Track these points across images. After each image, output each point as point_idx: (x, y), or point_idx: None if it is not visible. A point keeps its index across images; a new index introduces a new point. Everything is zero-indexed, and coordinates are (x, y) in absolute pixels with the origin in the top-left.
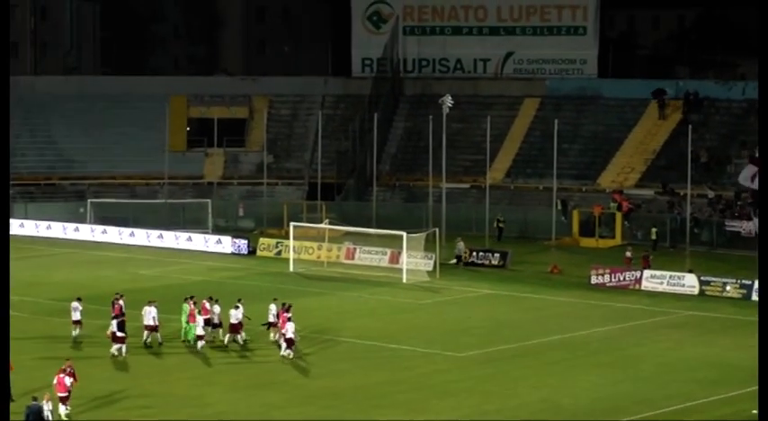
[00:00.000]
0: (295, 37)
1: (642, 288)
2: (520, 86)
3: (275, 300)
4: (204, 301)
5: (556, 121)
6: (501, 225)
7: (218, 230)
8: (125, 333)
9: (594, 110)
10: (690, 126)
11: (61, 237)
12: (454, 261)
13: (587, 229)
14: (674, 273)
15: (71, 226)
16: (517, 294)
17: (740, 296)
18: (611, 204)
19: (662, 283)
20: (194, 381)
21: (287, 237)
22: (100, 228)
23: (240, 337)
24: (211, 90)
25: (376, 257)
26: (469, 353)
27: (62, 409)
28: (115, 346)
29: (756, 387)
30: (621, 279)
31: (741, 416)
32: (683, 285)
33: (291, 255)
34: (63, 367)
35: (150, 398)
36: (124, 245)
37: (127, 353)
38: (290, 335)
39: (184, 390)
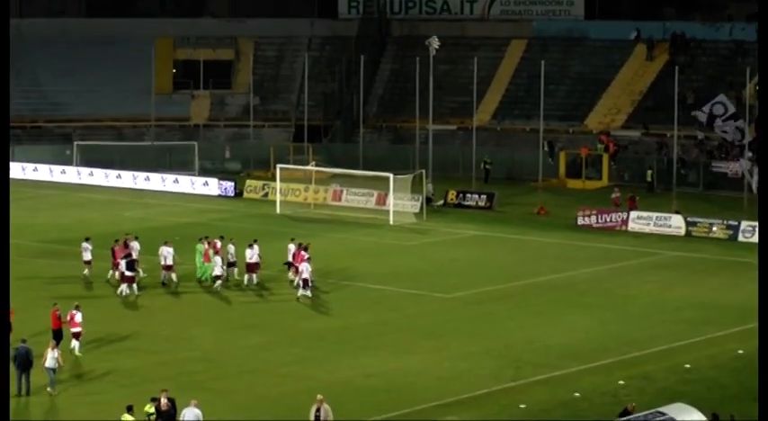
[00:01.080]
0: None
1: (629, 229)
2: (507, 28)
3: (293, 239)
4: (216, 240)
5: (543, 63)
6: (488, 166)
7: (205, 172)
8: (134, 272)
9: (581, 51)
10: (677, 67)
11: (48, 180)
12: (441, 202)
13: (574, 171)
14: (660, 214)
15: (57, 168)
16: (504, 236)
17: (726, 237)
18: (598, 146)
19: (648, 224)
20: (184, 322)
21: (274, 180)
22: (86, 170)
23: (255, 277)
24: (197, 32)
25: (363, 199)
26: (456, 294)
27: (74, 344)
28: (124, 286)
29: (742, 327)
30: (608, 220)
31: (728, 355)
32: (670, 226)
33: (278, 198)
34: (76, 304)
35: (136, 340)
36: (111, 187)
37: (139, 292)
38: (305, 275)
39: (172, 331)
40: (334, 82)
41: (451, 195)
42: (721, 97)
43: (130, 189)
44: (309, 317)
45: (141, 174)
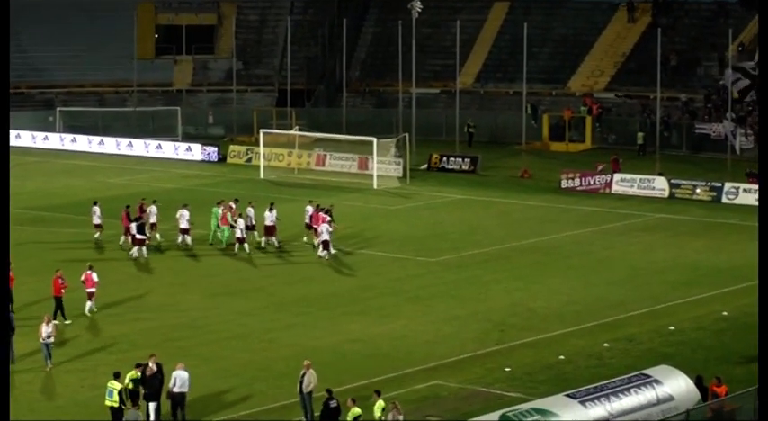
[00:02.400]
0: None
1: (612, 191)
2: None
3: (311, 201)
4: (230, 204)
5: (525, 25)
6: (471, 130)
7: (188, 138)
8: (144, 235)
9: (564, 13)
10: (659, 29)
11: (31, 146)
12: (425, 166)
13: (557, 133)
14: (643, 177)
15: (40, 135)
16: (488, 199)
17: (710, 199)
18: (581, 108)
19: (632, 187)
20: (172, 288)
21: (257, 144)
22: (69, 136)
23: (275, 239)
24: None
25: (347, 163)
26: (441, 257)
27: (88, 305)
28: (135, 248)
29: (726, 289)
30: (592, 183)
31: (712, 317)
32: (654, 188)
33: (262, 162)
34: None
35: (122, 306)
36: (94, 153)
37: (147, 254)
38: (324, 236)
39: (160, 298)
40: (317, 46)
41: (435, 159)
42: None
43: (114, 155)
44: (295, 283)
45: (124, 140)
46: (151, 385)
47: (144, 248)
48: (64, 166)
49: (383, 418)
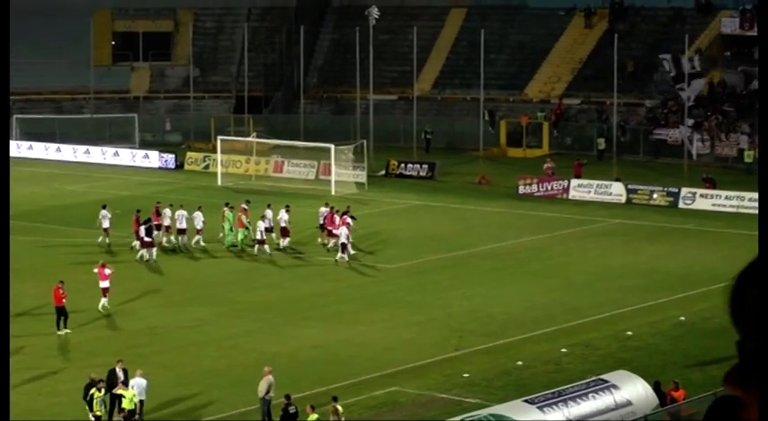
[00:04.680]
0: None
1: (570, 197)
2: None
3: (326, 204)
4: (243, 205)
5: (482, 32)
6: (428, 136)
7: (145, 145)
8: (152, 238)
9: (521, 19)
10: (616, 35)
11: None
12: (382, 173)
13: (514, 139)
14: (601, 182)
15: None
16: (445, 205)
17: (667, 204)
18: (539, 114)
19: (589, 192)
20: (132, 295)
21: (214, 151)
22: (26, 144)
23: (287, 241)
24: (136, 3)
25: (304, 170)
26: (399, 264)
27: (103, 301)
28: (143, 251)
29: (683, 294)
30: (549, 188)
31: (670, 322)
32: (611, 193)
33: (219, 169)
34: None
35: (81, 313)
36: (51, 160)
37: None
38: (342, 239)
39: (119, 304)
40: (275, 53)
41: (393, 165)
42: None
43: (71, 162)
44: (253, 289)
45: (81, 148)
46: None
47: (153, 251)
48: (21, 174)
49: None
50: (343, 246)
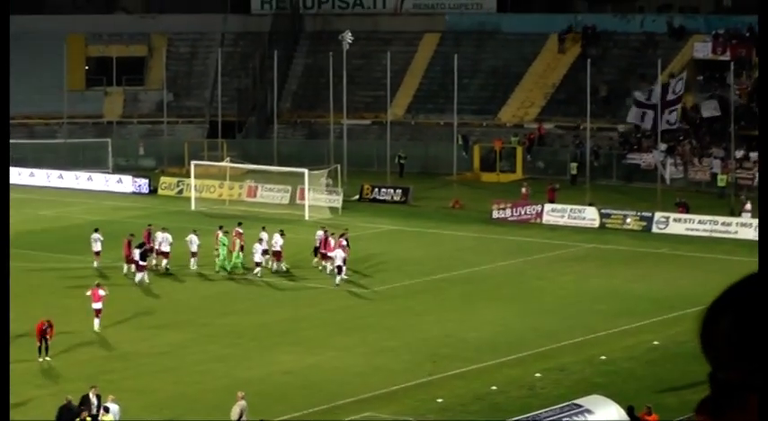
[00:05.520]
0: None
1: (543, 222)
2: (419, 22)
3: (323, 228)
4: (237, 229)
5: (456, 56)
6: (402, 161)
7: (119, 170)
8: (146, 262)
9: (494, 44)
10: (588, 60)
11: None
12: (356, 197)
13: (488, 164)
14: (574, 207)
15: None
16: (419, 230)
17: (640, 228)
18: (512, 138)
19: (563, 217)
20: (104, 320)
21: (188, 176)
22: None
23: (283, 265)
24: (109, 28)
25: (278, 195)
26: (373, 289)
27: (96, 323)
28: (139, 274)
29: (657, 318)
30: (523, 213)
31: (644, 347)
32: (584, 218)
33: (193, 194)
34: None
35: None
36: (24, 185)
37: (149, 280)
38: (338, 262)
39: (89, 332)
40: (248, 77)
41: (366, 190)
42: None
43: (44, 187)
44: (226, 314)
45: (54, 173)
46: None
47: (145, 274)
48: None
49: None
50: (339, 268)
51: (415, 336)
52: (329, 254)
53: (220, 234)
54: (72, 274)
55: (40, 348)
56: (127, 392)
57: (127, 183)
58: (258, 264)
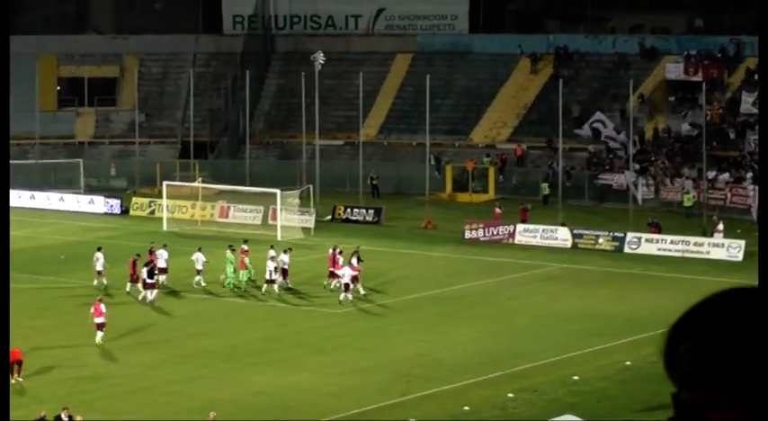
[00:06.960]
0: None
1: (516, 242)
2: (391, 42)
3: (333, 246)
4: (243, 247)
5: (428, 77)
6: (375, 181)
7: (91, 190)
8: (154, 280)
9: (466, 65)
10: (560, 80)
11: None
12: (329, 218)
13: (460, 184)
14: (546, 227)
15: None
16: (392, 250)
17: (612, 248)
18: (485, 159)
19: (535, 237)
20: (76, 340)
21: (160, 196)
22: None
23: (279, 284)
24: (81, 49)
25: (250, 216)
26: (345, 309)
27: (99, 336)
28: (146, 292)
29: (630, 338)
30: (495, 233)
31: (616, 367)
32: (557, 238)
33: (165, 214)
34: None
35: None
36: None
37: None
38: (346, 280)
39: (62, 349)
40: (220, 98)
41: (339, 210)
42: (598, 115)
43: (16, 208)
44: (199, 335)
45: (26, 193)
46: None
47: (155, 292)
48: None
49: None
50: (346, 285)
51: (388, 357)
52: (337, 271)
53: (228, 252)
54: (43, 295)
55: (11, 370)
56: (98, 413)
57: (99, 204)
58: (271, 282)
